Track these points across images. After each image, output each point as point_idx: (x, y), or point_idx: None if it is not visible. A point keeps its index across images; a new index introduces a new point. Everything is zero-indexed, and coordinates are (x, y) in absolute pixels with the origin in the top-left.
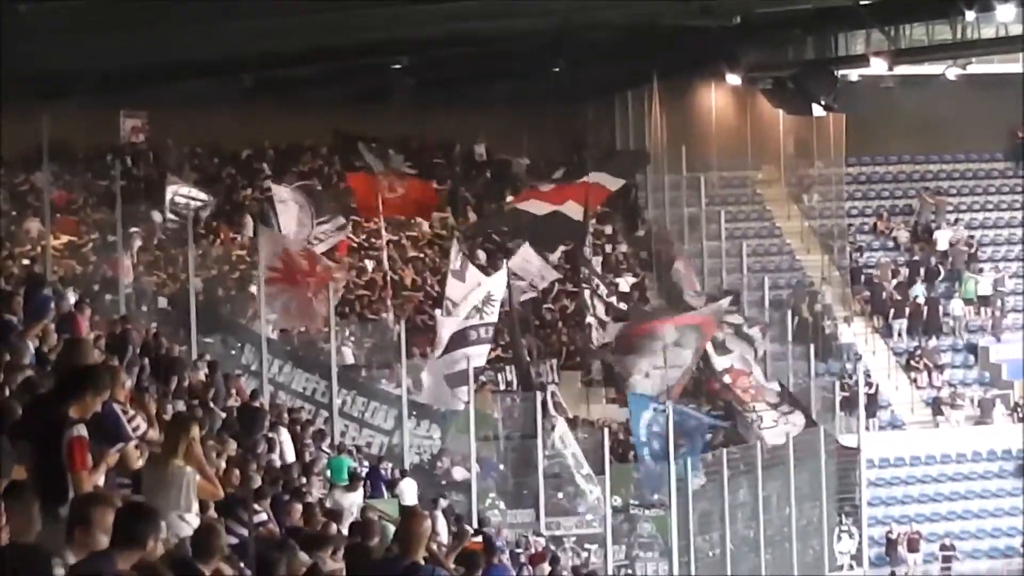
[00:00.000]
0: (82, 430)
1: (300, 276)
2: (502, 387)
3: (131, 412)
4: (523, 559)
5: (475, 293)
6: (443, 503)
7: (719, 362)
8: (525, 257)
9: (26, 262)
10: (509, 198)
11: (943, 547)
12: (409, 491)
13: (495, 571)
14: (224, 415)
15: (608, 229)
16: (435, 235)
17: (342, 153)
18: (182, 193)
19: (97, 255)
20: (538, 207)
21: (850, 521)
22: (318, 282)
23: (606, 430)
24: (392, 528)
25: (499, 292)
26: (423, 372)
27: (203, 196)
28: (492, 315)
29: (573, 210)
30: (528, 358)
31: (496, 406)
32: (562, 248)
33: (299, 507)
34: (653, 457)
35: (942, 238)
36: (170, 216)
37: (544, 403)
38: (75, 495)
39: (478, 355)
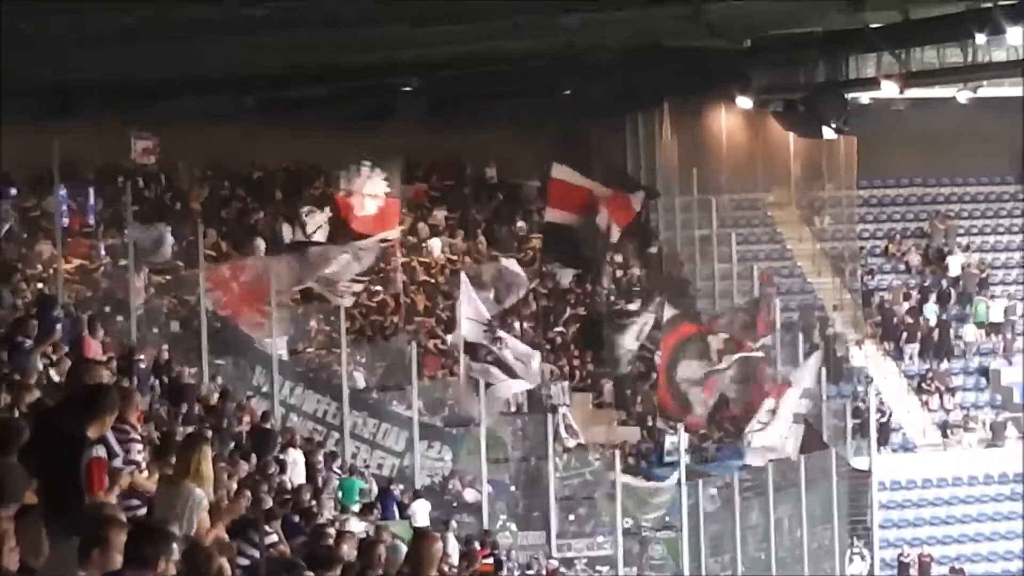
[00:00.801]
0: (101, 451)
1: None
2: (513, 409)
3: (135, 436)
4: None
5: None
6: (454, 525)
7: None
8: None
9: (39, 285)
10: (520, 223)
11: (952, 570)
12: (421, 512)
13: None
14: (235, 438)
15: (619, 257)
16: (447, 259)
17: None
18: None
19: (108, 278)
20: (564, 217)
21: (862, 543)
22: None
23: (617, 452)
24: (404, 549)
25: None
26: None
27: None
28: None
29: (602, 220)
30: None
31: (507, 428)
32: (573, 272)
33: (310, 529)
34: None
35: (954, 262)
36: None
37: (555, 425)
38: (89, 517)
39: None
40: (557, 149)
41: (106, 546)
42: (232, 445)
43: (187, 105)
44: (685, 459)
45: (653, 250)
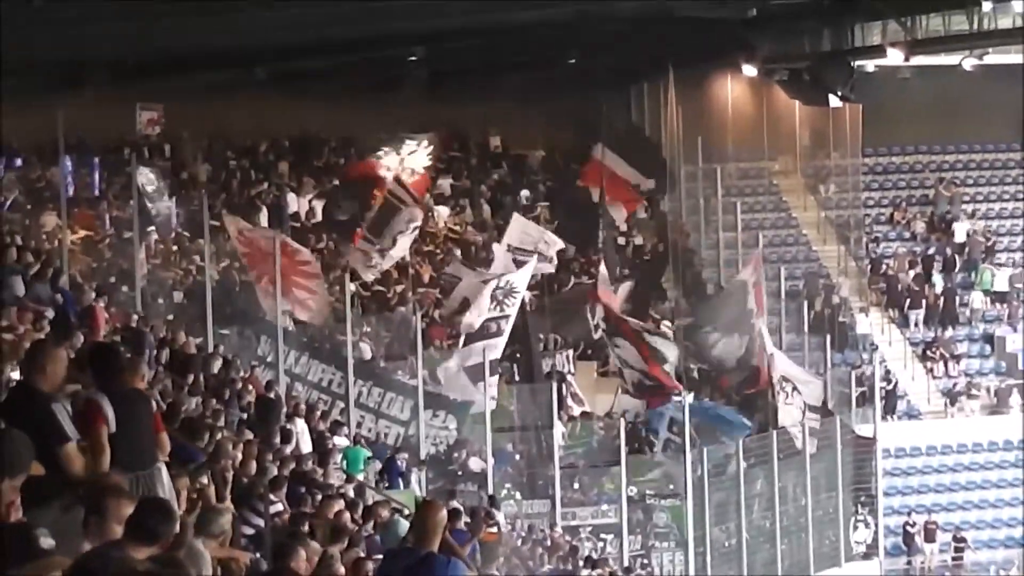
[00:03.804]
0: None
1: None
2: (517, 379)
3: None
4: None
5: (494, 284)
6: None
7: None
8: (522, 228)
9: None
10: (525, 192)
11: (955, 538)
12: None
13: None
14: (241, 408)
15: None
16: (450, 229)
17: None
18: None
19: (113, 249)
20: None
21: (866, 511)
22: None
23: (622, 420)
24: (404, 520)
25: (522, 286)
26: (444, 361)
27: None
28: (512, 308)
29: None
30: (541, 350)
31: (512, 397)
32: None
33: (314, 498)
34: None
35: (959, 229)
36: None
37: (560, 394)
38: (90, 486)
39: (494, 347)
40: (562, 119)
41: (104, 515)
42: (243, 416)
43: (194, 78)
44: (689, 427)
45: (644, 216)
